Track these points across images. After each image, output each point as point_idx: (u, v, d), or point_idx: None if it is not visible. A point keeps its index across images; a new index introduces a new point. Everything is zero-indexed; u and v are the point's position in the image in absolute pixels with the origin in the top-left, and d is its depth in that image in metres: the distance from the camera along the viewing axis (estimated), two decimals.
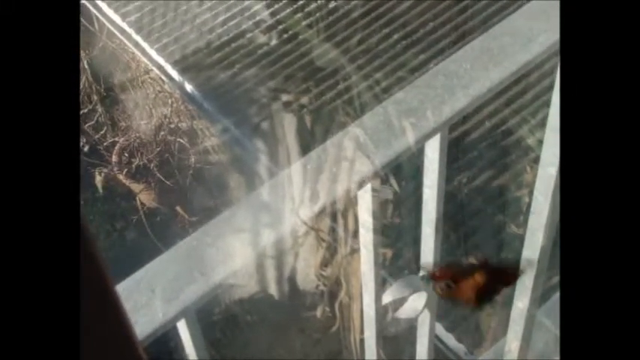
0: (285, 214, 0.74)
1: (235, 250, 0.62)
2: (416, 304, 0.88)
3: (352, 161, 0.80)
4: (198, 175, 1.89)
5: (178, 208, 1.98)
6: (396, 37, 1.74)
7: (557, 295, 1.41)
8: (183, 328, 0.64)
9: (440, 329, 1.51)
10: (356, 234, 1.44)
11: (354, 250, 1.44)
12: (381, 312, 0.85)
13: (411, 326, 0.96)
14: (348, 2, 1.81)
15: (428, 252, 0.83)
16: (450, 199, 1.57)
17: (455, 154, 1.61)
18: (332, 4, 1.83)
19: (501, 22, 0.71)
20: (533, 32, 0.70)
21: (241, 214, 0.73)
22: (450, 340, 1.50)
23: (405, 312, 0.88)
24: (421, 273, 0.87)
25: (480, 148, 1.61)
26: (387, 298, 0.84)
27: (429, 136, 0.68)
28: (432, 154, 0.73)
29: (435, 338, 1.51)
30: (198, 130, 1.91)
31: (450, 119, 0.67)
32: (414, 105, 0.67)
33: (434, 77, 0.68)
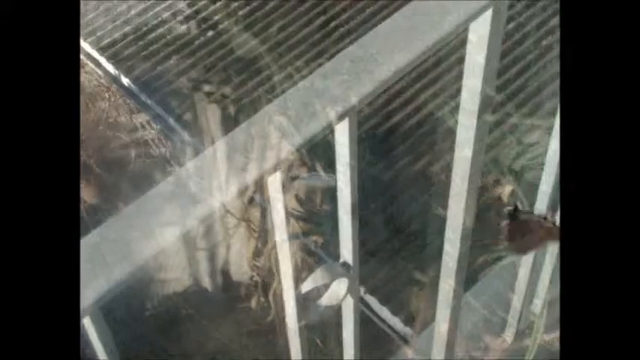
0: (213, 205, 0.73)
1: (136, 245, 0.61)
2: (338, 291, 0.88)
3: (278, 149, 0.79)
4: (139, 168, 1.87)
5: (120, 204, 1.96)
6: (316, 24, 1.74)
7: (485, 278, 1.43)
8: (88, 326, 0.63)
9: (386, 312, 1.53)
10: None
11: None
12: (302, 301, 0.85)
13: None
14: None
15: (346, 238, 0.83)
16: (373, 182, 1.58)
17: (378, 138, 1.62)
18: None
19: (412, 1, 0.71)
20: (436, 16, 0.71)
21: (164, 206, 0.72)
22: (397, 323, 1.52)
23: (326, 299, 0.88)
24: None
25: (403, 131, 1.63)
26: (307, 286, 0.84)
27: (337, 121, 0.68)
28: (342, 139, 0.73)
29: (381, 321, 1.53)
30: (137, 124, 1.88)
31: (357, 104, 0.67)
32: (320, 91, 0.66)
33: (340, 62, 0.68)
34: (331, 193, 1.71)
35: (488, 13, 0.76)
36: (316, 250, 1.50)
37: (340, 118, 0.67)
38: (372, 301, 1.53)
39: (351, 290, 0.88)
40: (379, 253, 1.55)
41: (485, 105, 0.86)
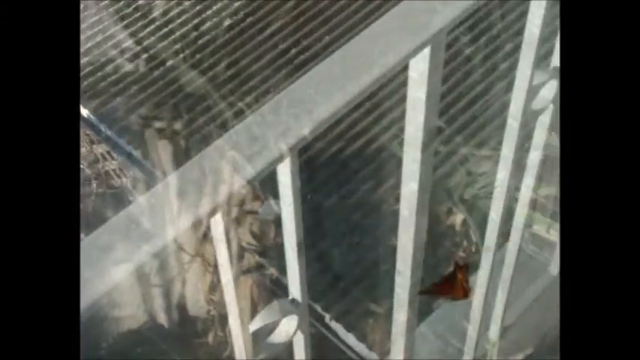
0: (166, 240, 0.72)
1: (89, 282, 0.60)
2: (287, 328, 0.87)
3: (230, 184, 0.79)
4: (100, 200, 1.85)
5: (82, 235, 1.94)
6: (266, 59, 1.75)
7: (440, 308, 1.43)
8: None
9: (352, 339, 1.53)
10: (241, 257, 1.44)
11: (240, 274, 1.43)
12: (253, 338, 0.85)
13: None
14: (215, 28, 1.81)
15: (293, 275, 0.83)
16: (326, 216, 1.59)
17: (329, 172, 1.62)
18: (200, 30, 1.82)
19: (344, 45, 0.72)
20: (374, 55, 0.72)
21: (116, 242, 0.71)
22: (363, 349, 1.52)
23: (276, 336, 0.88)
24: (291, 297, 0.88)
25: (357, 163, 1.63)
26: (255, 324, 0.84)
27: (277, 161, 0.69)
28: (285, 179, 0.73)
29: (347, 348, 1.53)
30: (98, 155, 1.87)
31: (297, 144, 0.68)
32: (257, 133, 0.67)
33: (278, 104, 0.69)
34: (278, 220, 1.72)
35: (427, 50, 0.77)
36: (271, 284, 1.50)
37: (278, 160, 0.68)
38: (338, 327, 1.54)
39: (301, 327, 0.88)
40: (340, 283, 1.56)
41: (429, 139, 0.87)
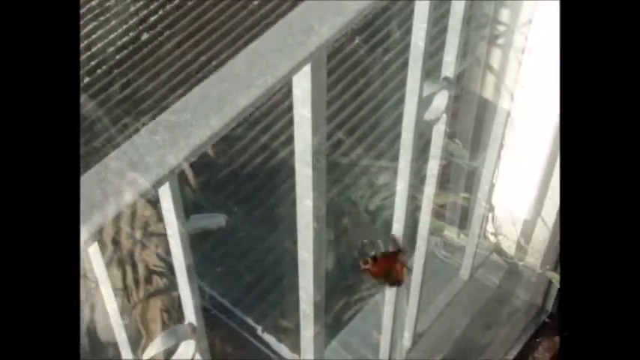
0: None
1: None
2: (185, 354, 0.86)
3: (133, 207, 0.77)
4: None
5: None
6: (161, 78, 1.73)
7: (352, 321, 1.43)
8: None
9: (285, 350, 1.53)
10: (148, 279, 1.42)
11: (149, 296, 1.41)
12: None
13: None
14: (106, 50, 1.79)
15: (186, 298, 0.83)
16: (234, 230, 1.58)
17: (235, 187, 1.62)
18: (91, 51, 1.80)
19: (220, 68, 0.72)
20: (252, 76, 0.71)
21: None
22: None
23: None
24: None
25: (260, 179, 1.63)
26: (151, 351, 0.82)
27: (157, 186, 0.68)
28: (167, 205, 0.72)
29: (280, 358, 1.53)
30: None
31: (174, 169, 0.67)
32: (135, 159, 0.66)
33: (155, 128, 0.68)
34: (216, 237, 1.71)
35: (307, 68, 0.77)
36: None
37: (157, 184, 0.67)
38: (270, 339, 1.55)
39: (199, 351, 0.87)
40: (269, 295, 1.56)
41: (318, 155, 0.87)
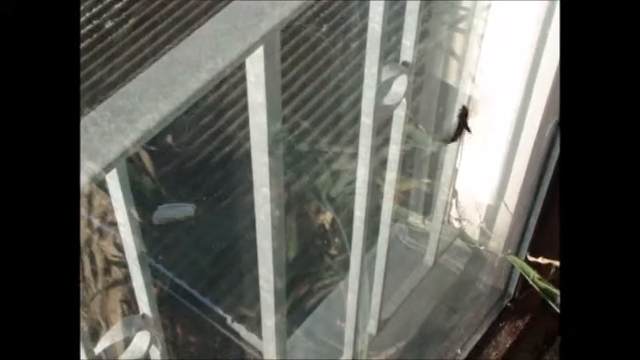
0: None
1: None
2: (140, 345, 0.85)
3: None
4: None
5: None
6: (108, 66, 1.71)
7: (315, 310, 1.43)
8: None
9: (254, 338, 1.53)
10: (107, 270, 1.40)
11: (108, 287, 1.39)
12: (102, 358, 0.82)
13: None
14: None
15: (139, 289, 0.81)
16: (198, 224, 1.56)
17: (198, 179, 1.60)
18: None
19: (170, 50, 0.70)
20: (202, 59, 0.70)
21: None
22: None
23: (129, 354, 0.85)
24: None
25: (228, 168, 1.62)
26: (103, 343, 0.81)
27: (105, 171, 0.66)
28: (115, 192, 0.70)
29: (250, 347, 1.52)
30: None
31: (121, 156, 0.65)
32: (82, 145, 0.64)
33: (101, 114, 0.66)
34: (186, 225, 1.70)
35: (260, 52, 0.76)
36: None
37: (105, 170, 0.65)
38: (240, 328, 1.54)
39: (154, 342, 0.86)
40: (237, 285, 1.55)
41: (275, 142, 0.86)
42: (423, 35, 1.36)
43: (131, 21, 1.90)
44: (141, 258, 0.77)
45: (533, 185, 1.39)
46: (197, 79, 0.69)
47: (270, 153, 0.86)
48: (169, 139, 1.61)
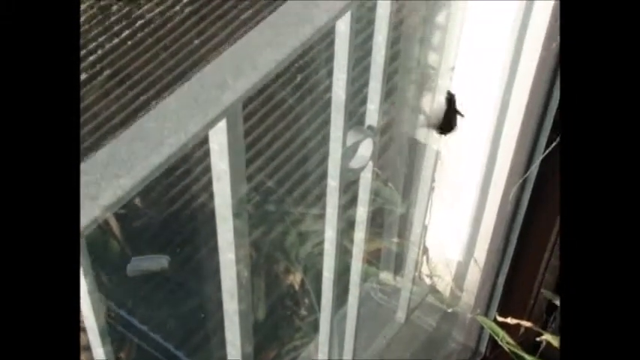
0: None
1: None
2: None
3: None
4: None
5: None
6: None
7: None
8: None
9: None
10: None
11: None
12: None
13: None
14: None
15: (96, 344, 0.79)
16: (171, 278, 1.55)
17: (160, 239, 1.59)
18: None
19: (131, 126, 0.70)
20: (164, 134, 0.70)
21: None
22: None
23: None
24: None
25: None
26: None
27: None
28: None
29: None
30: None
31: (82, 231, 0.65)
32: None
33: None
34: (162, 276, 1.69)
35: (223, 123, 0.76)
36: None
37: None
38: None
39: None
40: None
41: (239, 209, 0.86)
42: (391, 92, 1.38)
43: (90, 98, 1.92)
44: (102, 332, 0.76)
45: (501, 245, 1.40)
46: (159, 154, 0.69)
47: (235, 219, 0.86)
48: (137, 200, 1.61)
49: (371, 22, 0.97)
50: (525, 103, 1.13)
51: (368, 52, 1.01)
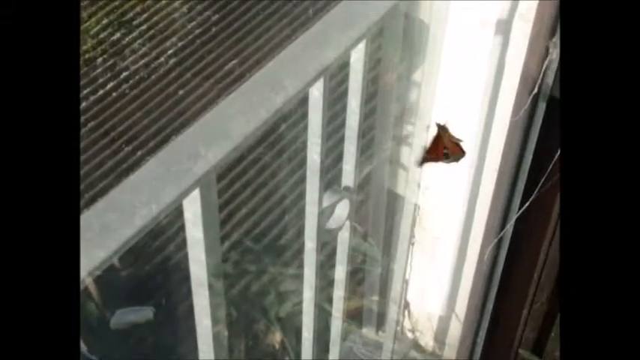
0: None
1: None
2: None
3: None
4: None
5: None
6: None
7: None
8: None
9: None
10: None
11: None
12: None
13: None
14: None
15: None
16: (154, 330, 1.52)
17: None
18: None
19: (105, 196, 0.71)
20: (136, 205, 0.70)
21: None
22: None
23: None
24: None
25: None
26: None
27: None
28: None
29: None
30: None
31: None
32: None
33: None
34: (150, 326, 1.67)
35: (196, 193, 0.76)
36: None
37: None
38: None
39: None
40: None
41: (215, 275, 0.86)
42: (369, 148, 1.39)
43: None
44: None
45: (480, 301, 1.40)
46: (131, 225, 0.69)
47: (210, 287, 0.86)
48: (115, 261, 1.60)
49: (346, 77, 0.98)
50: (498, 167, 1.14)
51: (344, 108, 1.03)
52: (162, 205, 0.71)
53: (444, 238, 1.38)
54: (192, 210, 0.78)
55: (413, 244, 1.44)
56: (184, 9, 2.74)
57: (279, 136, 1.80)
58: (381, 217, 1.50)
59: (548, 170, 1.00)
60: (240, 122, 0.78)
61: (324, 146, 0.93)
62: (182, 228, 0.82)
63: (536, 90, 0.97)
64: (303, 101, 0.91)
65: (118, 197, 0.71)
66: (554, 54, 0.88)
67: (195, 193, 0.76)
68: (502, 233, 1.15)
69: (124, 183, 0.72)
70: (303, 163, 1.32)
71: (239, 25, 2.65)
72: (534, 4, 0.96)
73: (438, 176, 1.33)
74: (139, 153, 2.16)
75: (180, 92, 2.46)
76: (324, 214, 1.03)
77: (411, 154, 1.41)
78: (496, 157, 1.13)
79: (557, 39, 0.87)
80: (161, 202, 0.71)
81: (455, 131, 1.15)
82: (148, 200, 0.71)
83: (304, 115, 0.94)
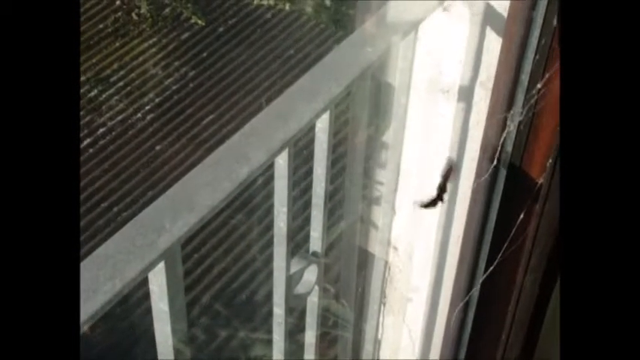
0: None
1: None
2: None
3: None
4: None
5: None
6: None
7: None
8: None
9: None
10: None
11: None
12: None
13: None
14: None
15: None
16: None
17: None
18: None
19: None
20: (99, 281, 0.71)
21: None
22: None
23: None
24: None
25: None
26: None
27: None
28: None
29: None
30: None
31: None
32: None
33: None
34: None
35: (161, 265, 0.77)
36: None
37: None
38: None
39: None
40: None
41: (180, 347, 0.86)
42: (339, 204, 1.40)
43: None
44: None
45: None
46: (94, 301, 0.70)
47: (178, 352, 0.87)
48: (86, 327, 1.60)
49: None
50: (462, 234, 1.16)
51: (311, 170, 1.04)
52: (126, 280, 0.72)
53: (415, 299, 1.38)
54: (158, 282, 0.79)
55: (384, 304, 1.45)
56: (161, 65, 2.77)
57: (247, 198, 1.81)
58: (352, 277, 1.51)
59: (511, 235, 1.02)
60: (205, 194, 0.80)
61: (290, 214, 0.95)
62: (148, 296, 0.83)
63: (497, 158, 0.99)
64: (270, 166, 0.92)
65: (82, 273, 0.71)
66: (512, 127, 0.90)
67: (161, 266, 0.77)
68: (468, 297, 1.16)
69: (88, 259, 0.73)
70: (271, 225, 1.34)
71: (216, 80, 2.68)
72: (493, 73, 0.98)
73: (407, 236, 1.35)
74: (115, 209, 2.16)
75: (158, 147, 2.47)
76: (293, 279, 1.04)
77: (382, 213, 1.42)
78: (461, 222, 1.15)
79: (514, 111, 0.89)
80: (125, 276, 0.72)
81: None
82: (112, 275, 0.72)
83: (271, 178, 0.95)
